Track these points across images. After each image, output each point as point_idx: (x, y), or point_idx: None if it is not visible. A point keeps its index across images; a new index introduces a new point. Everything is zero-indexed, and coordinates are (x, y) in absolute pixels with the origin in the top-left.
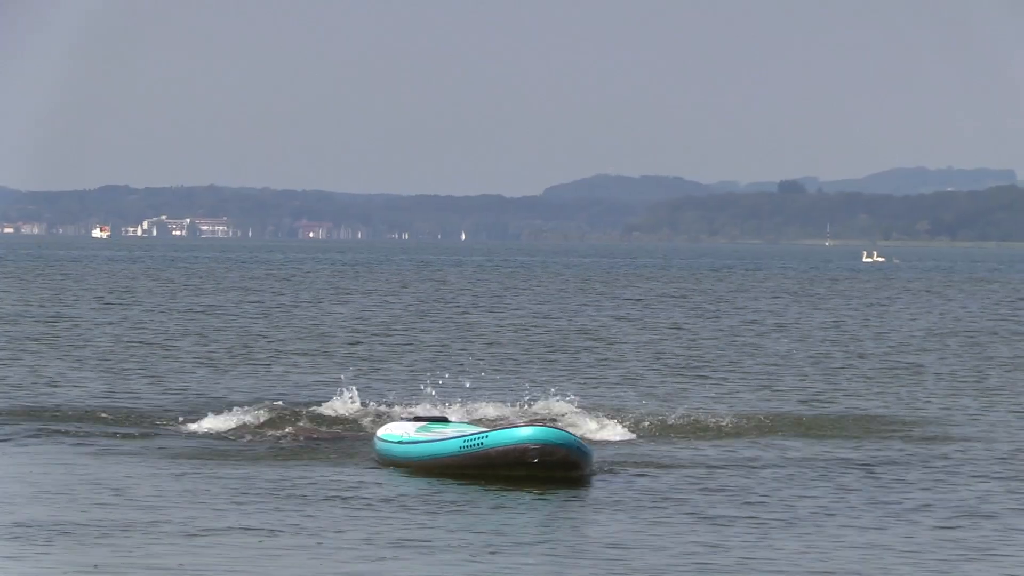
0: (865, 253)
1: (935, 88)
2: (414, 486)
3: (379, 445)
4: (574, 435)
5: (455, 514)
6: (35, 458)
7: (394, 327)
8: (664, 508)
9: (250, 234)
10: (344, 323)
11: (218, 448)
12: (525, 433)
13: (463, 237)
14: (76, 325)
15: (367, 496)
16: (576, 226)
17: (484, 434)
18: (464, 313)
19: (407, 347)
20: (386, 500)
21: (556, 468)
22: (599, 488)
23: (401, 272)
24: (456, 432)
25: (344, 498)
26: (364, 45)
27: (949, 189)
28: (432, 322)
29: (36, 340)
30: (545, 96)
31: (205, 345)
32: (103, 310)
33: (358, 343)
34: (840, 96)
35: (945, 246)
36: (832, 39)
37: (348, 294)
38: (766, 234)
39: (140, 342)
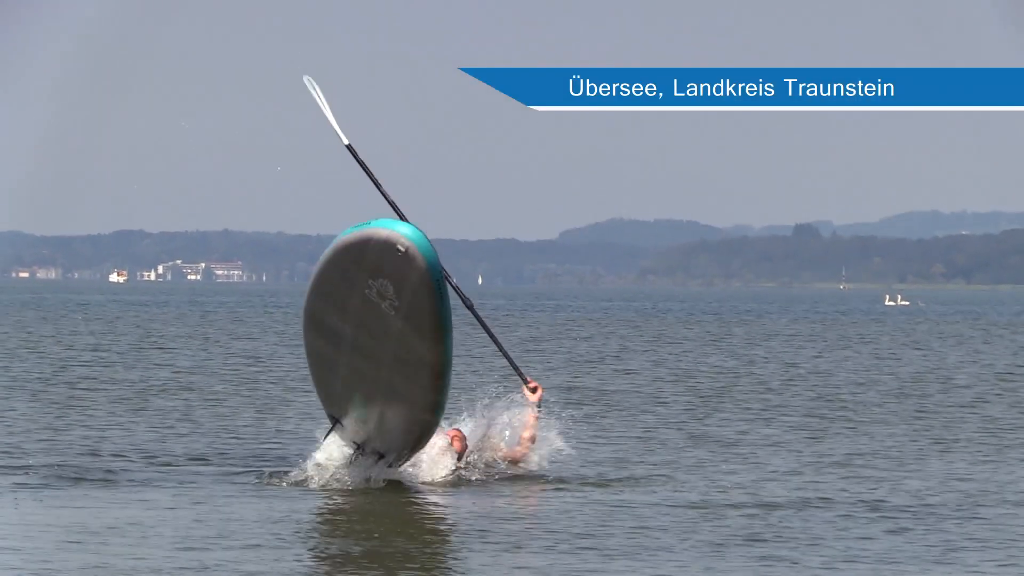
0: (887, 297)
1: (948, 131)
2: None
3: None
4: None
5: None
6: (76, 504)
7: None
8: None
9: (264, 278)
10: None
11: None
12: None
13: (479, 281)
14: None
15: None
16: (591, 269)
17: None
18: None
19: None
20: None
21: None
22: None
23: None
24: None
25: None
26: (377, 88)
27: (963, 232)
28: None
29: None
30: (559, 139)
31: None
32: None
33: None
34: (854, 139)
35: (960, 289)
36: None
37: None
38: (780, 278)
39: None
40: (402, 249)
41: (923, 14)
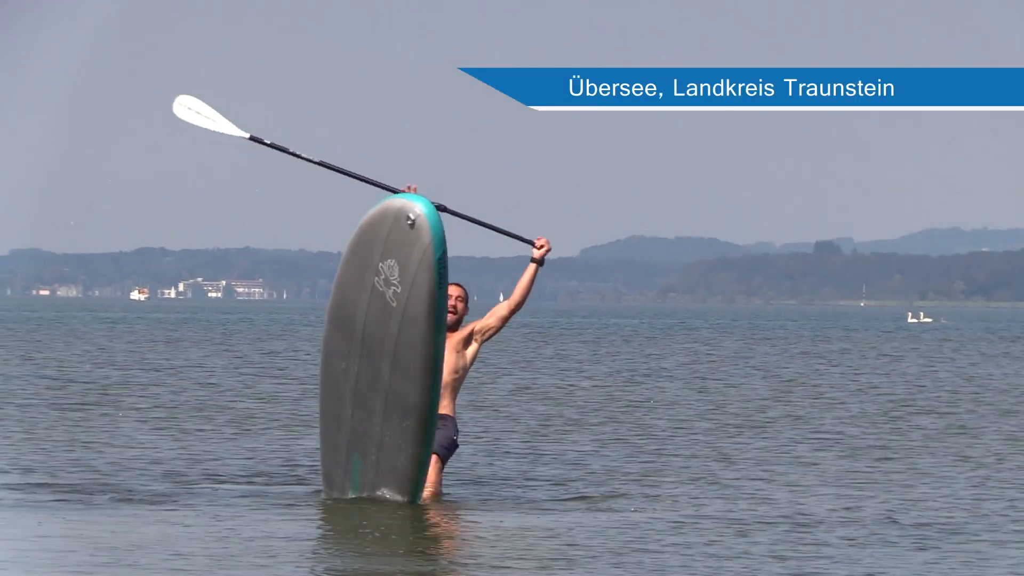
0: (910, 314)
1: (969, 148)
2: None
3: None
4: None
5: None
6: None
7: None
8: None
9: (285, 296)
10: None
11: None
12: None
13: (501, 298)
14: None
15: None
16: (612, 287)
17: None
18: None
19: None
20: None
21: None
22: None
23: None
24: None
25: None
26: (395, 107)
27: (984, 249)
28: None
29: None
30: (580, 157)
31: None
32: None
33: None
34: (874, 156)
35: (981, 306)
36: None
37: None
38: (801, 295)
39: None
40: (412, 218)
41: (928, 13)
